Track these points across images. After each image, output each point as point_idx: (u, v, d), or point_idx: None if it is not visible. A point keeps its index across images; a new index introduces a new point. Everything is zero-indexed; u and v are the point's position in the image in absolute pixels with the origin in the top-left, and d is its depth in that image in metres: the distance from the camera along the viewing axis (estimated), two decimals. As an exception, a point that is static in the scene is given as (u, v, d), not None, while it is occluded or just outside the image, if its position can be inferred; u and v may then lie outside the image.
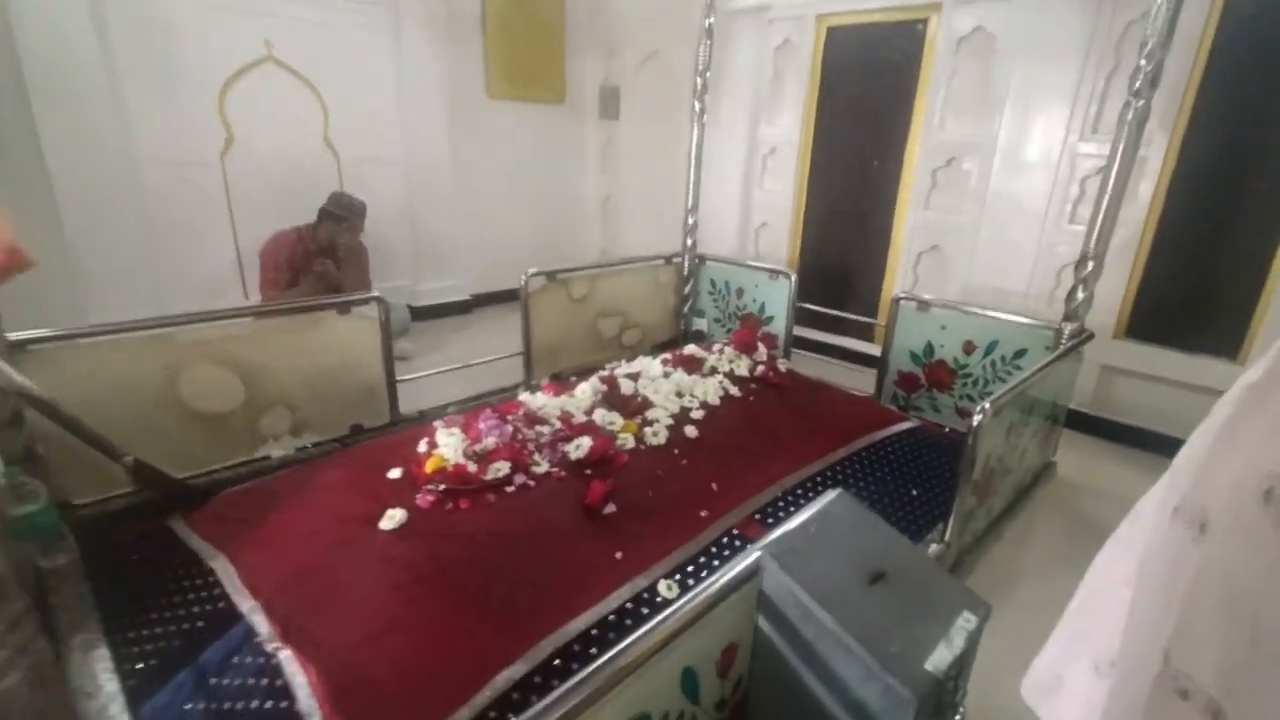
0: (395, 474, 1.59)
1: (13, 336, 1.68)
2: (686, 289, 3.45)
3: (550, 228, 4.88)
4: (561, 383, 2.30)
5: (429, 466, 1.53)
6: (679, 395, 2.00)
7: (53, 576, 1.54)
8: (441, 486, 1.48)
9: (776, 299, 3.11)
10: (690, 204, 3.33)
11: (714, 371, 2.20)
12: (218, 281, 3.45)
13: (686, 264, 3.41)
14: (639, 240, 4.55)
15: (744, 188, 3.93)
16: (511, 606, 1.23)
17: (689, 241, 3.38)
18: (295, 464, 2.15)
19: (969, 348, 2.49)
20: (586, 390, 1.96)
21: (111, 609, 1.37)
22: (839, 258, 3.66)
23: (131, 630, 1.32)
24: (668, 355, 2.33)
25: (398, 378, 2.49)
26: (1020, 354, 2.37)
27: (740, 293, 3.29)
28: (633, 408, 1.87)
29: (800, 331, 3.54)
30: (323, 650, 1.18)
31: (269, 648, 1.22)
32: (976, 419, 1.53)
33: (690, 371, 2.17)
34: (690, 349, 2.37)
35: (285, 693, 1.15)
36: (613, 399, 1.90)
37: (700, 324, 3.54)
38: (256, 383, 2.13)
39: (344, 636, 1.19)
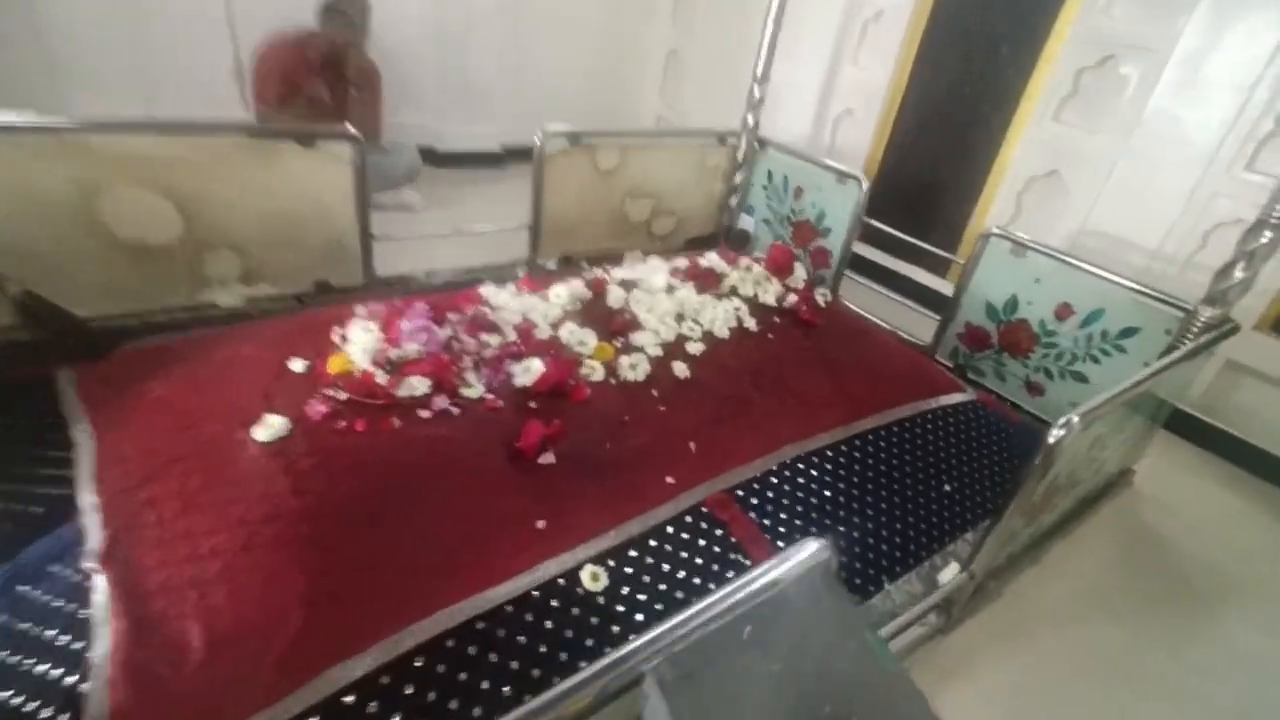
0: (298, 365, 1.29)
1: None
2: (737, 177, 2.91)
3: (604, 82, 4.24)
4: (551, 274, 1.91)
5: (331, 367, 1.22)
6: (679, 318, 1.60)
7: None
8: (343, 396, 1.18)
9: (840, 208, 2.58)
10: (760, 72, 2.71)
11: (732, 293, 1.78)
12: (213, 91, 3.06)
13: (744, 146, 2.85)
14: (703, 112, 3.91)
15: (831, 61, 3.22)
16: (376, 576, 0.95)
17: (750, 119, 2.79)
18: (243, 319, 1.89)
19: (1064, 311, 1.98)
20: (563, 294, 1.58)
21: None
22: (929, 168, 3.01)
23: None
24: (679, 263, 1.90)
25: (375, 233, 2.14)
26: (1129, 333, 1.86)
27: (799, 193, 2.75)
28: (615, 326, 1.50)
29: (861, 250, 3.01)
30: (138, 589, 0.93)
31: (86, 565, 0.98)
32: (1057, 434, 1.11)
33: (702, 289, 1.75)
34: (709, 259, 1.92)
35: (84, 632, 0.92)
36: (593, 311, 1.53)
37: (747, 222, 3.04)
38: (197, 216, 1.81)
39: (166, 575, 0.94)
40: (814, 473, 1.41)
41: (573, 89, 4.11)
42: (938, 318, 2.32)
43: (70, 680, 0.86)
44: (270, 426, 1.10)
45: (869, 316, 2.51)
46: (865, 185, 2.47)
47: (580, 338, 1.41)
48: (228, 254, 1.90)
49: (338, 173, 1.96)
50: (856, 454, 1.50)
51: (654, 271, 1.78)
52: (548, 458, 1.17)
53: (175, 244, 1.81)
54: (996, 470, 1.65)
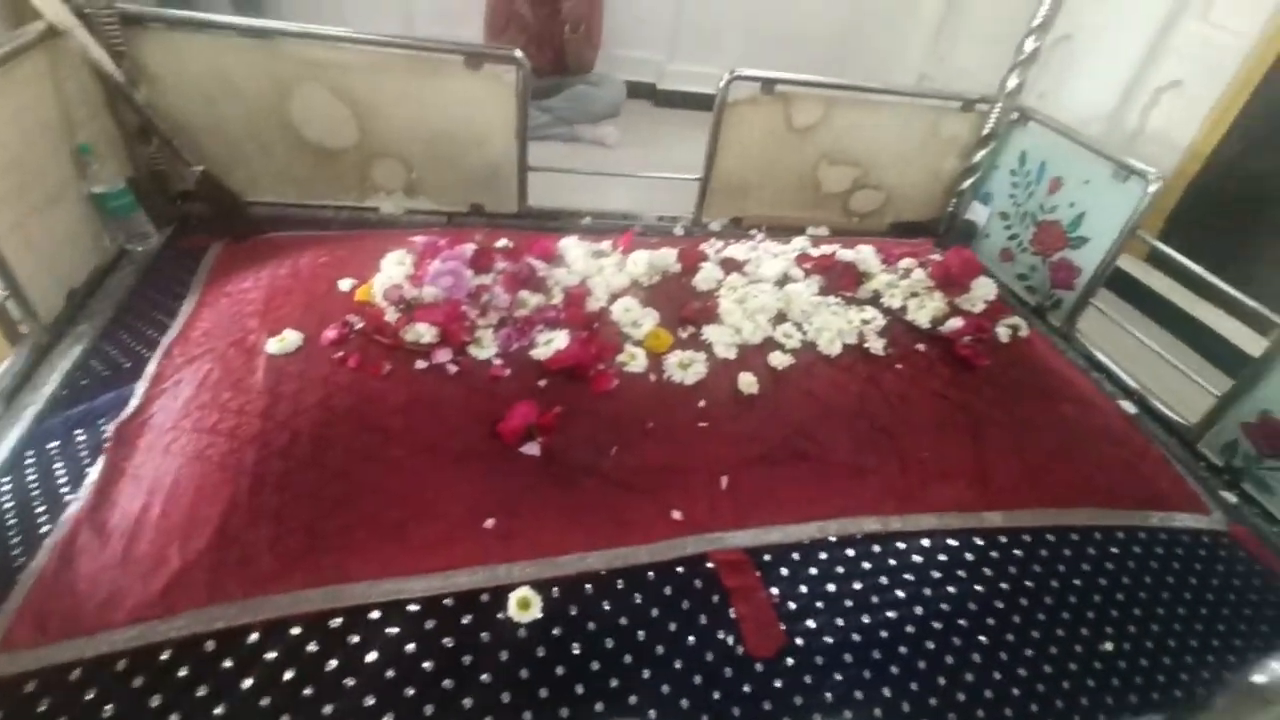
0: (345, 284, 1.26)
1: (129, 8, 1.62)
2: (978, 155, 2.31)
3: (860, 30, 3.67)
4: (707, 236, 1.62)
5: (358, 294, 1.17)
6: (777, 319, 1.26)
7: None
8: (359, 324, 1.12)
9: (1108, 212, 1.90)
10: (1041, 17, 2.06)
11: (874, 300, 1.36)
12: (465, 19, 3.19)
13: (996, 116, 2.23)
14: (981, 77, 3.20)
15: (1170, 11, 2.35)
16: (283, 527, 0.88)
17: (1014, 81, 2.16)
18: (400, 227, 1.98)
19: None
20: (641, 262, 1.33)
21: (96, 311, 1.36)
22: (1266, 184, 2.08)
23: (101, 337, 1.29)
24: (819, 252, 1.49)
25: (533, 165, 2.09)
26: None
27: (1056, 185, 2.09)
28: (686, 313, 1.23)
29: (1142, 273, 2.23)
30: (120, 464, 0.99)
31: (104, 435, 1.07)
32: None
33: (834, 287, 1.37)
34: (855, 254, 1.49)
35: (77, 491, 1.00)
36: (672, 289, 1.26)
37: (979, 213, 2.43)
38: (371, 125, 1.91)
39: (143, 459, 0.98)
40: (892, 563, 1.03)
41: (821, 34, 3.63)
42: (1217, 394, 1.61)
43: (44, 530, 0.95)
44: (283, 341, 1.10)
45: (1103, 368, 1.85)
46: (1153, 187, 1.77)
47: (636, 317, 1.17)
48: (394, 164, 2.00)
49: (500, 97, 1.91)
50: (972, 559, 1.07)
51: (771, 256, 1.43)
52: (531, 448, 1.00)
53: (350, 148, 1.94)
54: (1223, 649, 1.07)
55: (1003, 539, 1.10)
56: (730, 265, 1.40)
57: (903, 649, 0.97)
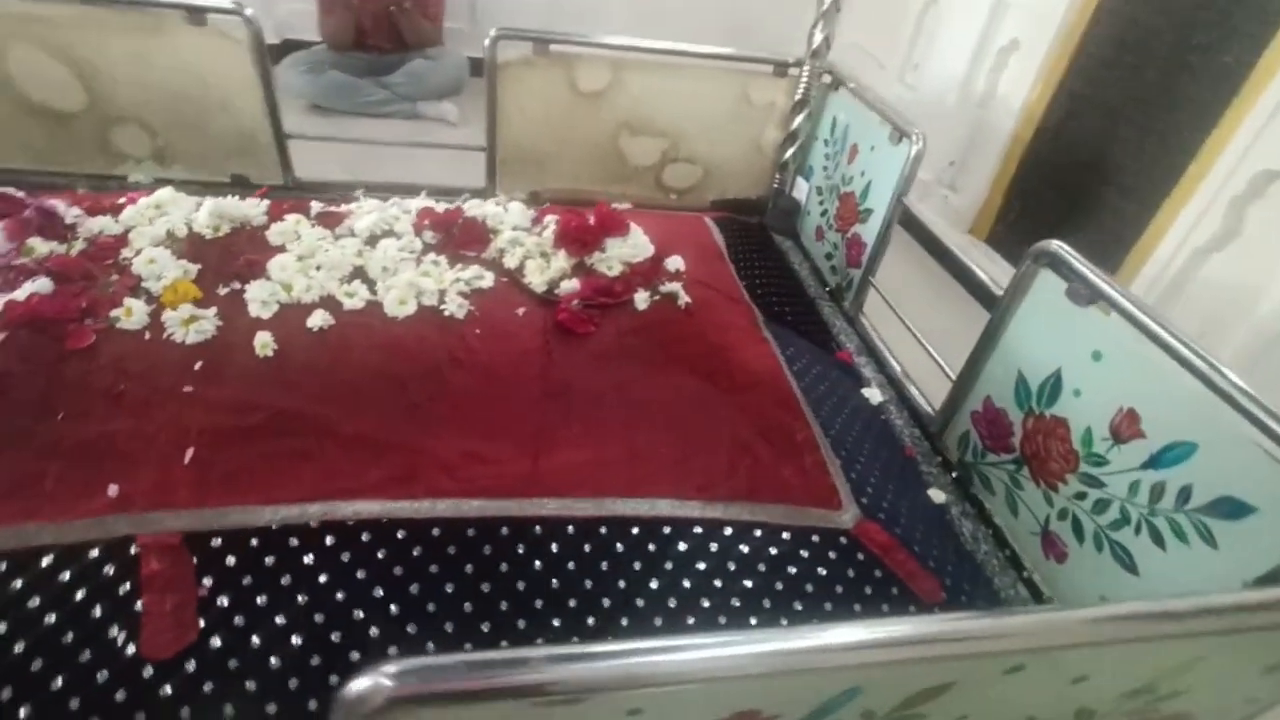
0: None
1: None
2: (795, 123, 2.12)
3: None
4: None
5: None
6: (353, 277, 1.09)
7: None
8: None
9: (885, 179, 1.70)
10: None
11: (497, 261, 1.19)
12: None
13: (805, 80, 2.04)
14: (871, 45, 2.97)
15: None
16: None
17: (819, 38, 1.97)
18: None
19: (1126, 425, 1.02)
20: (205, 210, 1.17)
21: None
22: (1102, 138, 1.84)
23: None
24: (429, 204, 1.32)
25: (302, 133, 1.98)
26: (1234, 511, 0.88)
27: (854, 154, 1.90)
28: (231, 268, 1.08)
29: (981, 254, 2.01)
30: None
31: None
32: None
33: (455, 247, 1.20)
34: (480, 206, 1.31)
35: None
36: (238, 243, 1.11)
37: (802, 189, 2.24)
38: (98, 88, 1.81)
39: None
40: (381, 555, 0.88)
41: (717, 6, 3.44)
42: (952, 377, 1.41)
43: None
44: None
45: (874, 352, 1.65)
46: (915, 149, 1.57)
47: (161, 269, 1.03)
48: (135, 129, 1.90)
49: (232, 55, 1.80)
50: (523, 552, 0.90)
51: (391, 212, 1.26)
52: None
53: (81, 112, 1.85)
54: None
55: (530, 529, 0.93)
56: (331, 220, 1.25)
57: (353, 651, 0.83)
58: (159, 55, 1.78)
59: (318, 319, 1.03)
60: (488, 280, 1.15)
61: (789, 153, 2.16)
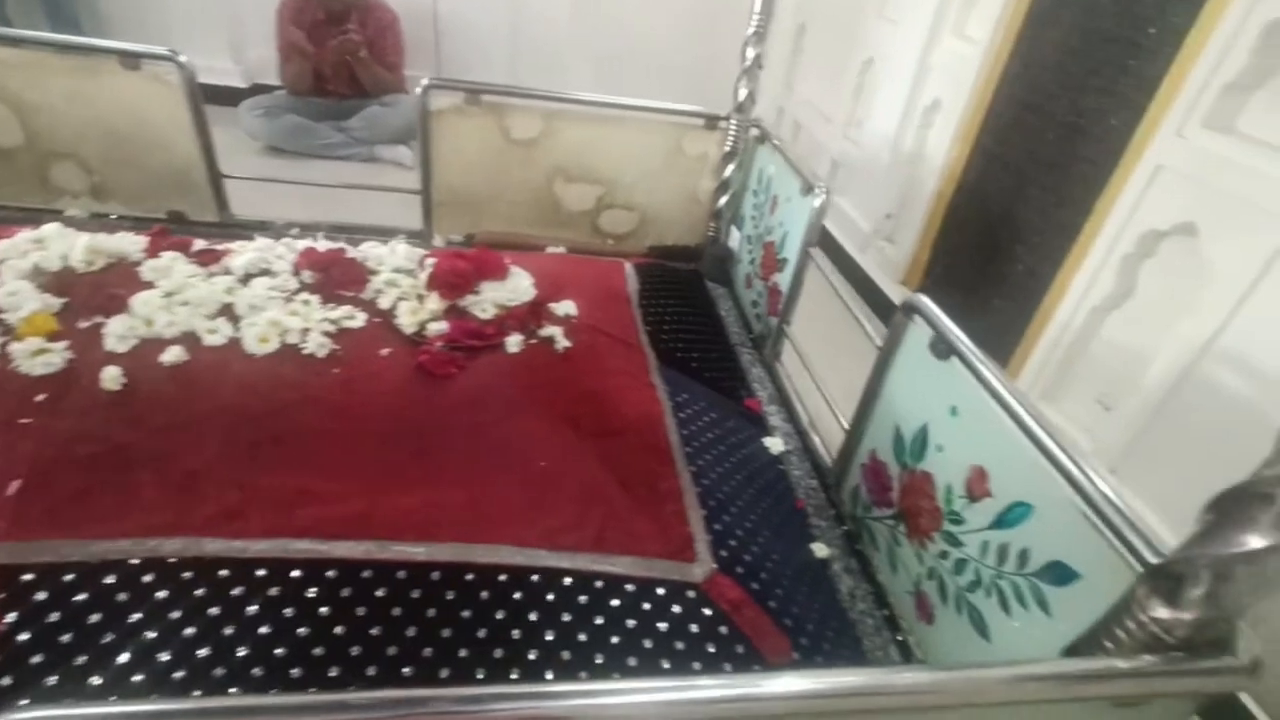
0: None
1: None
2: (725, 173, 2.16)
3: (718, 56, 3.59)
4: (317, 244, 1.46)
5: None
6: (219, 314, 1.09)
7: None
8: None
9: (797, 230, 1.73)
10: (753, 28, 1.94)
11: (372, 302, 1.20)
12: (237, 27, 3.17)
13: (734, 132, 2.09)
14: (820, 100, 3.06)
15: (932, 25, 2.20)
16: None
17: (744, 93, 2.02)
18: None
19: (978, 484, 1.01)
20: (80, 245, 1.19)
21: None
22: (1009, 195, 1.88)
23: None
24: (313, 245, 1.33)
25: (238, 174, 2.02)
26: (1067, 577, 0.86)
27: (774, 204, 1.93)
28: (92, 301, 1.08)
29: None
30: None
31: None
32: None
33: (334, 286, 1.21)
34: (365, 248, 1.33)
35: None
36: (112, 278, 1.12)
37: (736, 238, 2.27)
38: (36, 125, 1.86)
39: None
40: (200, 593, 0.86)
41: (679, 63, 3.56)
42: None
43: None
44: None
45: (786, 401, 1.65)
46: (818, 201, 1.60)
47: (21, 301, 1.04)
48: (72, 166, 1.94)
49: (166, 98, 1.85)
50: (384, 594, 0.88)
51: (272, 253, 1.27)
52: None
53: (21, 148, 1.89)
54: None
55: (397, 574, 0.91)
56: (209, 257, 1.27)
57: (154, 693, 0.80)
58: (96, 96, 1.84)
59: (172, 354, 1.02)
60: (358, 320, 1.15)
61: (721, 202, 2.20)
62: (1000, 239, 1.78)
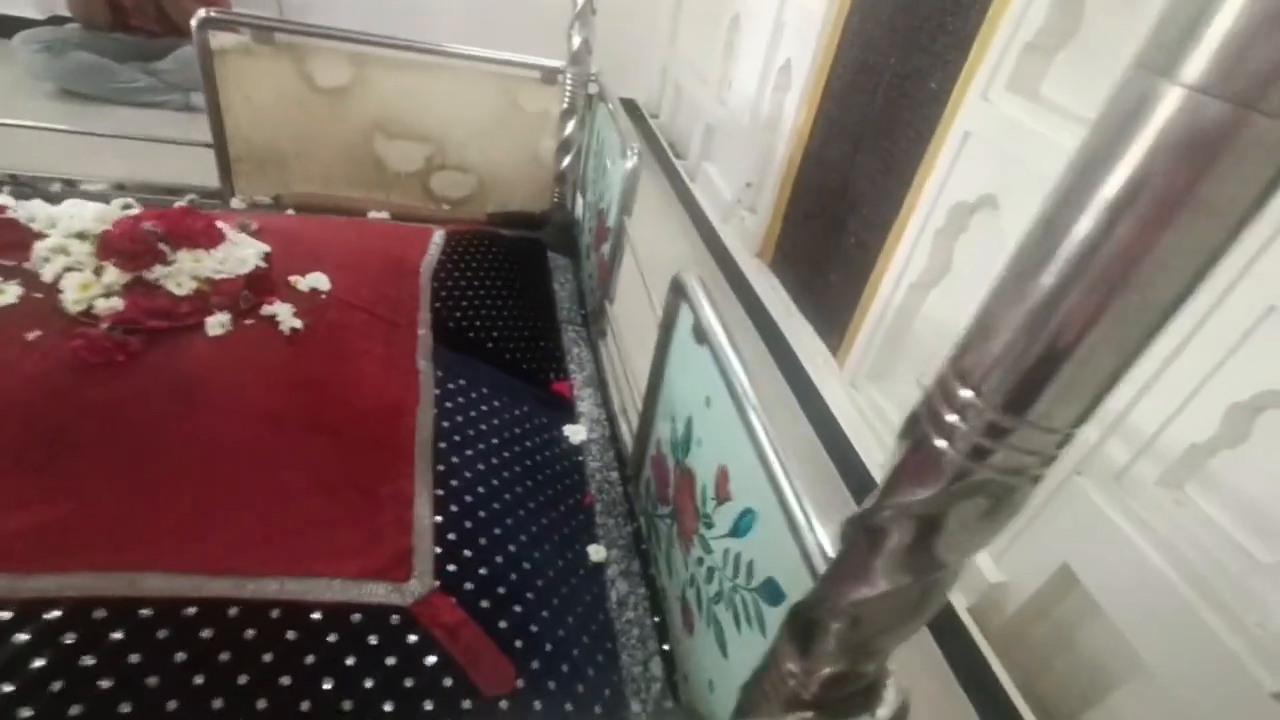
0: None
1: None
2: (566, 130, 1.98)
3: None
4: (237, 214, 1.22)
5: None
6: None
7: None
8: None
9: (616, 198, 1.58)
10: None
11: (38, 273, 0.99)
12: None
13: (570, 87, 1.91)
14: (698, 60, 2.88)
15: None
16: None
17: (577, 41, 1.83)
18: None
19: (722, 485, 0.91)
20: None
21: None
22: (845, 164, 1.79)
23: None
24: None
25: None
26: (778, 597, 0.76)
27: (604, 170, 1.78)
28: None
29: (762, 279, 1.92)
30: None
31: None
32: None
33: None
34: (28, 208, 1.12)
35: None
36: None
37: (580, 204, 2.11)
38: None
39: None
40: None
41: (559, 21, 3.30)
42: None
43: None
44: None
45: (603, 384, 1.52)
46: (633, 163, 1.45)
47: None
48: None
49: None
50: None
51: None
52: None
53: None
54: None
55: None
56: None
57: None
58: None
59: None
60: (9, 295, 0.93)
61: (563, 164, 2.02)
62: (837, 210, 1.69)
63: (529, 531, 1.11)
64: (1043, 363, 0.35)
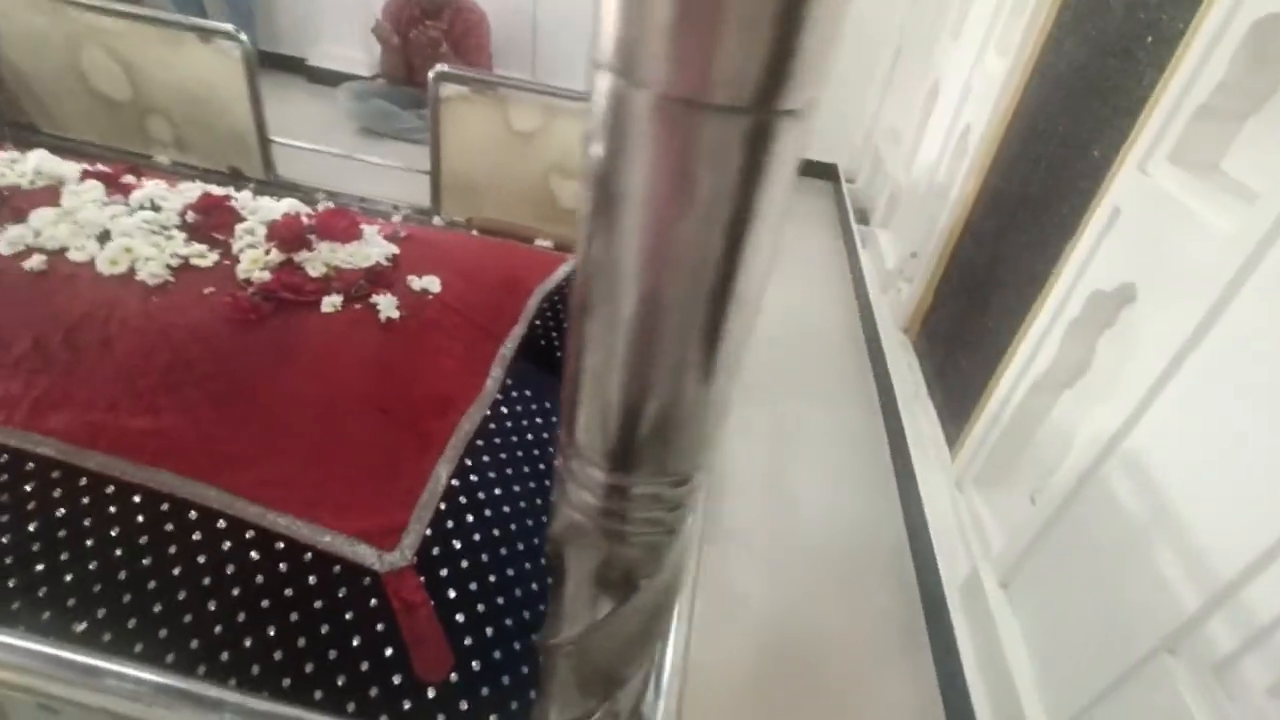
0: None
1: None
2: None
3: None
4: (418, 226, 1.62)
5: None
6: (101, 238, 1.22)
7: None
8: None
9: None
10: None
11: (233, 247, 1.27)
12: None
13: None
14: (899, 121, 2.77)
15: (982, 41, 1.90)
16: None
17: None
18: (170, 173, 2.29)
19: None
20: (29, 165, 1.38)
21: None
22: (993, 247, 1.55)
23: None
24: (210, 190, 1.41)
25: (277, 138, 2.29)
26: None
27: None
28: (5, 211, 1.26)
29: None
30: None
31: None
32: None
33: (207, 228, 1.31)
34: (241, 198, 1.40)
35: None
36: (27, 197, 1.30)
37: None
38: (140, 84, 2.25)
39: None
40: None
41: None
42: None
43: None
44: None
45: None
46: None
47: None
48: (162, 120, 2.32)
49: (229, 69, 2.16)
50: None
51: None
52: None
53: (127, 102, 2.30)
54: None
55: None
56: (123, 189, 1.42)
57: None
58: (181, 62, 2.19)
59: (34, 261, 1.19)
60: (208, 260, 1.26)
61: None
62: (984, 288, 1.47)
63: (527, 542, 1.15)
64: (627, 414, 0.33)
